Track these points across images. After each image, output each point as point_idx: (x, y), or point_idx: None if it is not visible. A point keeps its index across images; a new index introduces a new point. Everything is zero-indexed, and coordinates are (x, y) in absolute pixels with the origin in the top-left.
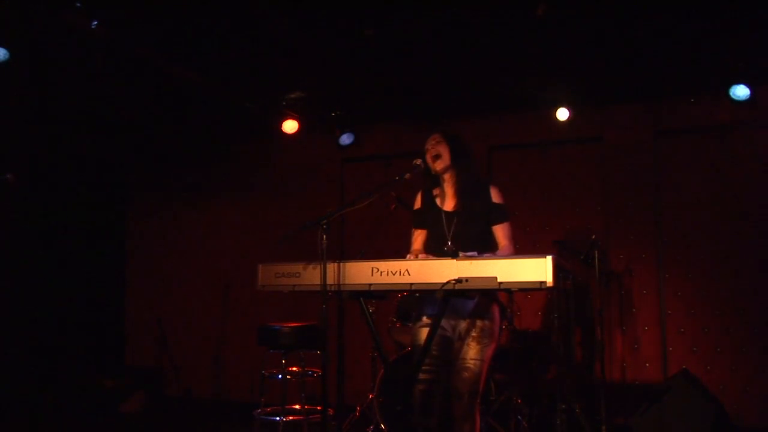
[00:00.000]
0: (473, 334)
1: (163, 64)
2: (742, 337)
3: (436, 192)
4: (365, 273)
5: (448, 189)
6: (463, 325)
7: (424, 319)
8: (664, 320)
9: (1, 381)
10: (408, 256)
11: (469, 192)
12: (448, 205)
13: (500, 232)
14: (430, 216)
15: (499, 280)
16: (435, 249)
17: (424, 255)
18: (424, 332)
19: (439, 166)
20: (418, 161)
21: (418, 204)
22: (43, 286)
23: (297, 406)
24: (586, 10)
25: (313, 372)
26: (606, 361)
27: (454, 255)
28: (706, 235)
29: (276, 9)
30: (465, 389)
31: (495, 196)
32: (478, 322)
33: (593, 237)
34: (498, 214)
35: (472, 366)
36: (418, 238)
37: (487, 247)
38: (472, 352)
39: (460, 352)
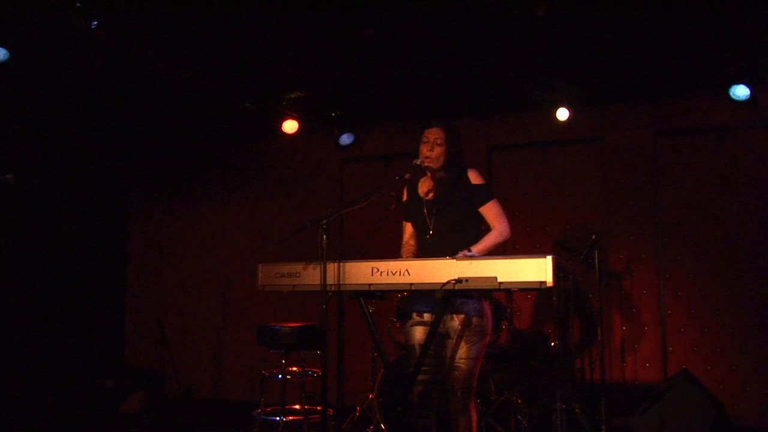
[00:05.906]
0: (464, 332)
1: (163, 64)
2: (742, 337)
3: (420, 182)
4: (365, 273)
5: (431, 179)
6: (453, 322)
7: (415, 316)
8: (664, 320)
9: (2, 381)
10: (401, 250)
11: (447, 179)
12: (429, 194)
13: (488, 213)
14: (414, 206)
15: (499, 280)
16: (419, 237)
17: (412, 244)
18: (416, 330)
19: (432, 163)
20: (418, 161)
21: (405, 197)
22: (43, 286)
23: (297, 406)
24: (586, 10)
25: (313, 372)
26: (606, 361)
27: (452, 254)
28: (706, 235)
29: (276, 9)
30: (458, 386)
31: (474, 178)
32: (468, 320)
33: (593, 237)
34: (480, 195)
35: (462, 365)
36: (408, 229)
37: (469, 233)
38: (462, 351)
39: (451, 350)
